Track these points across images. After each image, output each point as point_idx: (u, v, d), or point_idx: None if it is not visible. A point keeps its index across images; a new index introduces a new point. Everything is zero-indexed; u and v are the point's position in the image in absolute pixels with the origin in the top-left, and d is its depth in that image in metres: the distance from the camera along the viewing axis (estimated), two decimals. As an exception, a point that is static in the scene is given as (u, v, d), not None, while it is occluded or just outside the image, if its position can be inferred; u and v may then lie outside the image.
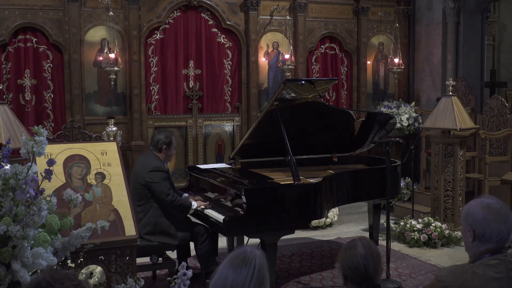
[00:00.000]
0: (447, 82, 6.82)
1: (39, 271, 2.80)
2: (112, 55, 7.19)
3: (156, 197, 4.85)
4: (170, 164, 7.10)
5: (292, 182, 4.79)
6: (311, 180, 4.99)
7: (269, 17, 8.18)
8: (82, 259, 3.35)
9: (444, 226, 6.49)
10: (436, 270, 5.52)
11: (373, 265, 2.42)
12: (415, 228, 6.49)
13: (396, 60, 8.69)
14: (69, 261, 3.28)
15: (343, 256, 2.48)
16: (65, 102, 7.30)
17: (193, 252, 5.28)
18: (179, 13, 7.78)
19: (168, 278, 3.31)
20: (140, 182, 4.89)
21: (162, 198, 4.84)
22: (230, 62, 8.09)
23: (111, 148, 3.87)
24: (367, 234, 6.41)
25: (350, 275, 2.44)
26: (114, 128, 7.13)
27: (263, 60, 8.25)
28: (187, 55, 7.84)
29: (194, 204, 5.03)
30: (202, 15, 7.89)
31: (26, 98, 7.11)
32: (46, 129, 6.27)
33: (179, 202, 4.91)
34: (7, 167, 2.91)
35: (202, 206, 5.06)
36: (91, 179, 3.67)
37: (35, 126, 2.99)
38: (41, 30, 7.11)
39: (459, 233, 6.39)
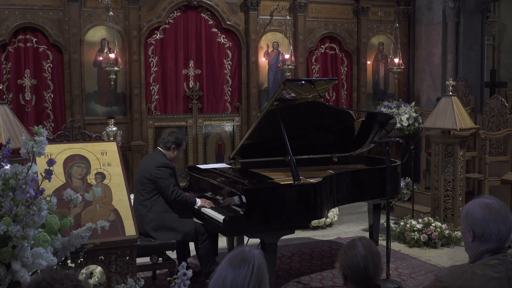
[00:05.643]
0: (447, 82, 6.82)
1: (39, 271, 2.80)
2: (112, 55, 7.20)
3: (162, 192, 4.94)
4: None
5: (292, 182, 4.78)
6: (311, 180, 4.99)
7: (269, 17, 8.18)
8: (82, 259, 3.35)
9: (444, 226, 6.49)
10: (436, 270, 5.51)
11: (373, 265, 2.42)
12: (415, 228, 6.49)
13: (396, 60, 8.69)
14: (69, 261, 3.28)
15: (343, 256, 2.47)
16: (65, 102, 7.30)
17: (193, 252, 5.29)
18: (179, 13, 7.78)
19: (168, 278, 3.31)
20: (146, 177, 4.97)
21: (168, 193, 4.91)
22: (230, 62, 8.09)
23: (111, 148, 3.87)
24: (367, 234, 6.40)
25: (350, 275, 2.44)
26: (114, 128, 7.14)
27: (263, 60, 8.25)
28: (187, 55, 7.84)
29: (199, 202, 5.08)
30: (202, 15, 7.89)
31: (26, 98, 7.12)
32: (46, 129, 6.27)
33: (184, 198, 4.98)
34: (7, 167, 2.91)
35: (206, 204, 5.08)
36: (91, 179, 3.67)
37: (35, 126, 2.99)
38: (41, 30, 7.12)
39: (459, 233, 6.39)
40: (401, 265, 5.81)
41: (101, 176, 3.71)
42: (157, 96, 7.75)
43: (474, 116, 7.59)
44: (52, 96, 7.25)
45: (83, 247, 3.13)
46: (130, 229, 3.53)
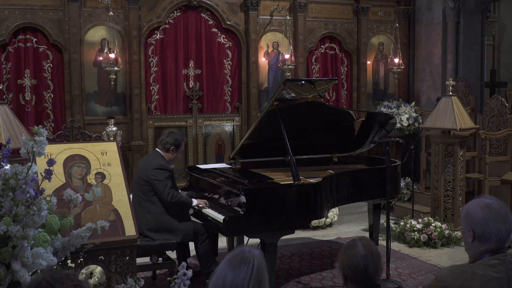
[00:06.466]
0: (447, 82, 6.82)
1: (39, 271, 2.80)
2: (112, 55, 7.20)
3: (158, 194, 4.92)
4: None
5: (292, 182, 4.78)
6: (311, 180, 4.99)
7: (269, 17, 8.18)
8: (82, 259, 3.35)
9: (444, 226, 6.49)
10: (436, 270, 5.51)
11: (373, 265, 2.42)
12: (415, 228, 6.49)
13: (396, 60, 8.69)
14: (69, 261, 3.28)
15: (343, 256, 2.47)
16: (65, 102, 7.30)
17: (193, 252, 5.29)
18: (179, 13, 7.78)
19: (168, 278, 3.31)
20: (143, 179, 4.97)
21: (164, 196, 4.90)
22: (230, 62, 8.09)
23: (111, 148, 3.87)
24: (367, 234, 6.40)
25: (350, 275, 2.44)
26: (114, 128, 7.14)
27: (263, 60, 8.25)
28: (187, 55, 7.85)
29: (195, 201, 5.08)
30: (202, 15, 7.89)
31: (26, 98, 7.12)
32: (46, 129, 6.27)
33: (180, 199, 4.96)
34: (7, 167, 2.91)
35: (202, 205, 5.08)
36: (91, 179, 3.67)
37: (35, 126, 2.99)
38: (41, 30, 7.12)
39: (459, 233, 6.39)
40: (401, 265, 5.81)
41: (101, 176, 3.70)
42: (157, 96, 7.75)
43: (474, 116, 7.59)
44: (52, 96, 7.25)
45: (83, 247, 3.13)
46: (130, 229, 3.53)
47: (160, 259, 4.96)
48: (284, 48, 8.22)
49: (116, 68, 7.20)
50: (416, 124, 8.33)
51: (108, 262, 3.44)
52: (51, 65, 7.22)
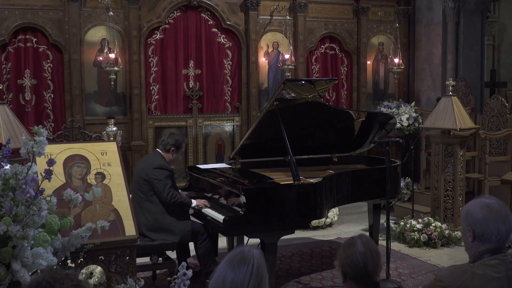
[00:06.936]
0: (447, 82, 6.82)
1: (39, 271, 2.80)
2: (112, 55, 7.20)
3: (157, 193, 4.93)
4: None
5: (292, 182, 4.78)
6: (311, 180, 4.99)
7: (269, 17, 8.18)
8: (82, 259, 3.36)
9: (444, 226, 6.49)
10: (436, 270, 5.51)
11: (372, 263, 2.43)
12: (415, 228, 6.49)
13: (396, 60, 8.69)
14: (69, 261, 3.28)
15: (342, 254, 2.48)
16: (65, 102, 7.30)
17: (192, 252, 5.29)
18: (179, 13, 7.78)
19: (168, 278, 3.31)
20: (143, 178, 4.97)
21: (163, 195, 4.90)
22: (230, 62, 8.09)
23: (111, 148, 3.87)
24: (367, 234, 6.40)
25: (350, 273, 2.44)
26: (114, 128, 7.14)
27: (263, 60, 8.25)
28: (187, 55, 7.85)
29: (194, 202, 5.08)
30: (202, 15, 7.89)
31: (26, 98, 7.12)
32: (46, 129, 6.27)
33: (179, 200, 4.96)
34: (7, 167, 2.91)
35: (201, 205, 5.08)
36: (91, 179, 3.67)
37: (35, 126, 2.99)
38: (41, 30, 7.12)
39: (459, 233, 6.39)
40: (401, 265, 5.81)
41: (101, 176, 3.71)
42: (157, 96, 7.76)
43: (474, 116, 7.59)
44: (52, 96, 7.25)
45: (83, 247, 3.13)
46: (130, 229, 3.53)
47: (160, 259, 4.96)
48: (284, 48, 8.22)
49: (116, 68, 7.20)
50: (416, 124, 8.33)
51: (108, 262, 3.45)
52: (51, 65, 7.22)
